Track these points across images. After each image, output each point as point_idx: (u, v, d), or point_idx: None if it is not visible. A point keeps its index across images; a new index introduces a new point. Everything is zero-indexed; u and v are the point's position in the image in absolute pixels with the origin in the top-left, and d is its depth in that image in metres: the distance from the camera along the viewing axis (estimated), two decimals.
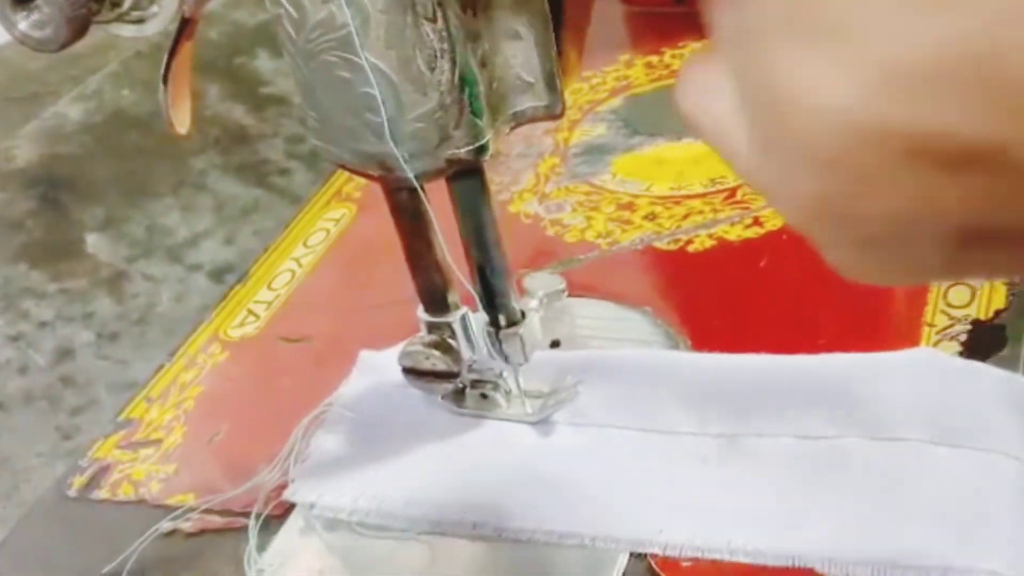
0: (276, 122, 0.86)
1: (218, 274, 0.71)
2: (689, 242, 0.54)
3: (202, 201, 0.79)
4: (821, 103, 0.19)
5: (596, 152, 0.63)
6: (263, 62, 0.91)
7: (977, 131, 0.19)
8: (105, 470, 0.50)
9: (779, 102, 0.20)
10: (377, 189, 0.40)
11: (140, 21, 0.35)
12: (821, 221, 0.22)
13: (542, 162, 0.63)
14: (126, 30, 0.35)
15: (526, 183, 0.61)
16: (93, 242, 0.75)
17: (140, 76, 0.86)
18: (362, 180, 0.41)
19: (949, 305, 0.46)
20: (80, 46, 0.32)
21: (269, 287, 0.58)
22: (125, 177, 0.81)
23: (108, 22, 0.34)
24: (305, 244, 0.61)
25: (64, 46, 0.32)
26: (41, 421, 0.64)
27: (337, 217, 0.63)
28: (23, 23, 0.32)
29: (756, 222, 0.54)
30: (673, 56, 0.70)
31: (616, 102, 0.67)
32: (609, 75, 0.70)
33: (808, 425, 0.42)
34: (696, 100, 0.23)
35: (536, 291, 0.47)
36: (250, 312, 0.57)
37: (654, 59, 0.70)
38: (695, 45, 0.67)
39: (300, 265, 0.59)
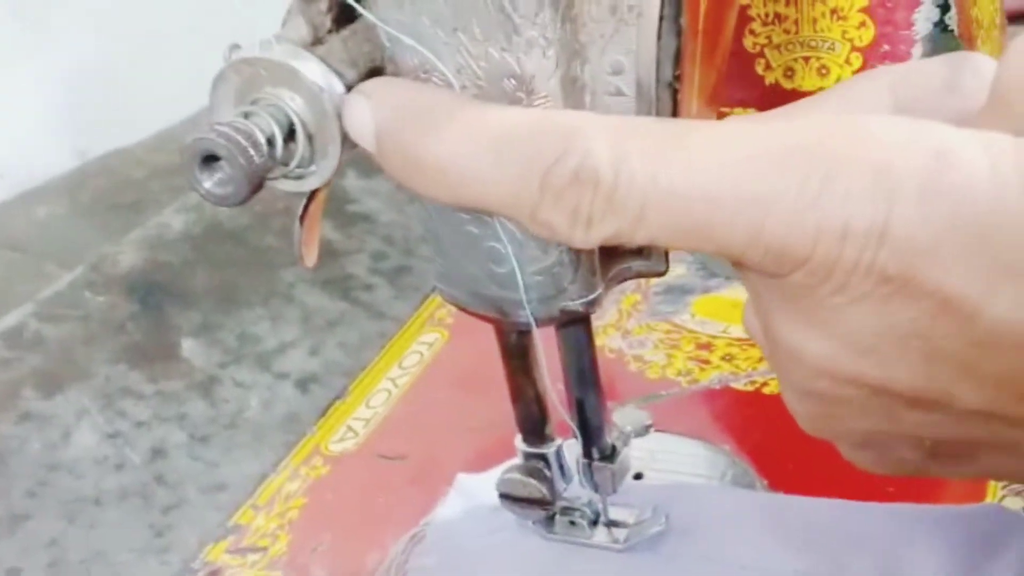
0: (361, 239, 0.90)
1: (303, 383, 0.75)
2: (765, 384, 0.57)
3: (290, 312, 0.83)
4: (811, 356, 0.28)
5: (677, 292, 0.66)
6: (351, 181, 0.96)
7: (915, 384, 0.27)
8: (216, 573, 0.53)
9: (782, 351, 0.29)
10: (468, 317, 0.43)
11: (300, 178, 0.40)
12: (816, 431, 0.31)
13: (624, 299, 0.67)
14: (287, 185, 0.39)
15: (609, 319, 0.65)
16: (188, 347, 0.79)
17: None
18: (454, 307, 0.44)
19: None
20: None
21: (367, 405, 0.62)
22: (220, 286, 0.85)
23: (276, 179, 0.39)
24: (400, 365, 0.65)
25: (242, 202, 0.36)
26: (135, 517, 0.67)
27: (430, 341, 0.67)
28: (208, 182, 0.35)
29: None
30: None
31: None
32: None
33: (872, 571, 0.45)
34: (748, 324, 0.33)
35: (624, 425, 0.50)
36: (349, 428, 0.60)
37: None
38: None
39: (396, 385, 0.63)
